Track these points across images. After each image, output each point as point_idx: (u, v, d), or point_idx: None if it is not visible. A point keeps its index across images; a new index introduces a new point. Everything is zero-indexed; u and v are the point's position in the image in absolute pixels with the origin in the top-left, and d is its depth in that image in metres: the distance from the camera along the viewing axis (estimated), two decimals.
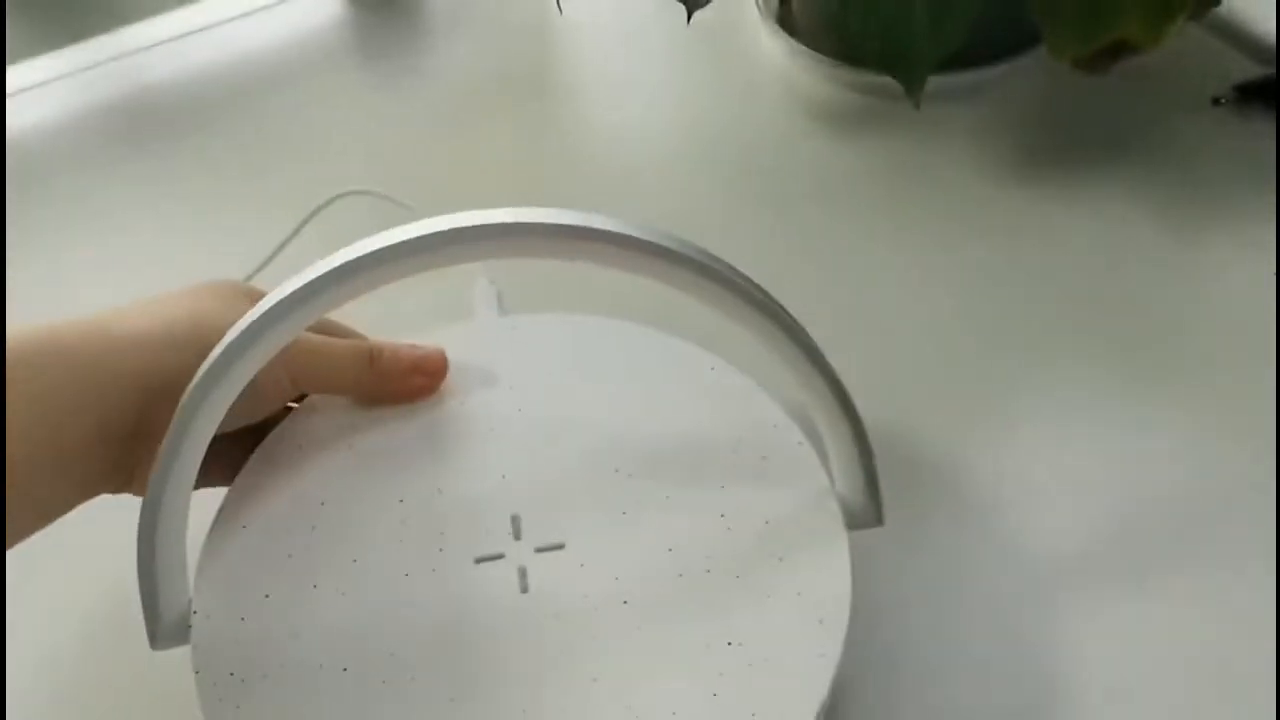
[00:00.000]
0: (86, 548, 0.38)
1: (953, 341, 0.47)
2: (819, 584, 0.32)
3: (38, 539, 0.33)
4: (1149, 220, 0.50)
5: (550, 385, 0.38)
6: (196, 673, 0.32)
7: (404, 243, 0.27)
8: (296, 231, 0.49)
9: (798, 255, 0.50)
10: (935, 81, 0.53)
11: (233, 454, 0.36)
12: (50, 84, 0.62)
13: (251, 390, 0.30)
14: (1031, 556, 0.39)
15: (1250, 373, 0.44)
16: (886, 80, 0.49)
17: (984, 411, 0.44)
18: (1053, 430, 0.43)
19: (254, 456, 0.36)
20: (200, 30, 0.64)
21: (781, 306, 0.30)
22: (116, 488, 0.34)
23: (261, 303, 0.28)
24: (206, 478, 0.34)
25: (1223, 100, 0.54)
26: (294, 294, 0.28)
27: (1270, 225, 0.49)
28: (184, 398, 0.29)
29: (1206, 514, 0.40)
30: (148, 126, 0.60)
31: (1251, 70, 0.55)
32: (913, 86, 0.47)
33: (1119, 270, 0.49)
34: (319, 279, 0.28)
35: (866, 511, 0.34)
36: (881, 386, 0.44)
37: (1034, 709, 0.36)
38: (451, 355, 0.39)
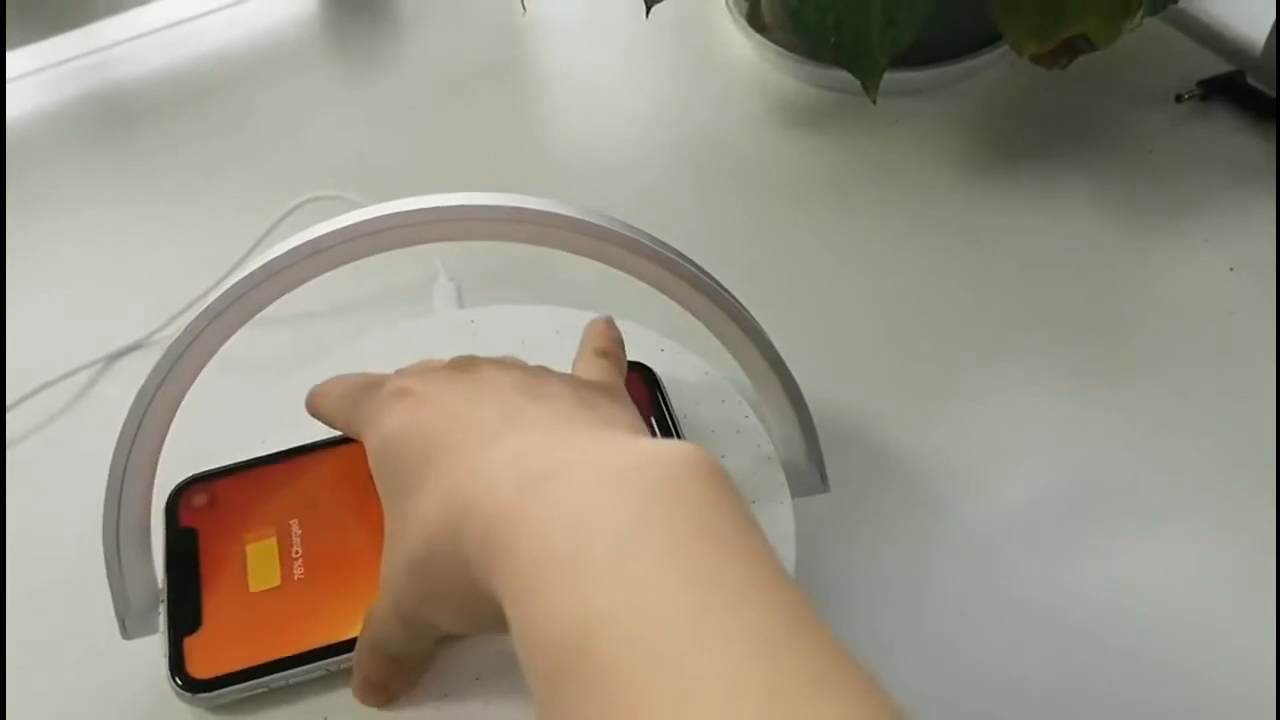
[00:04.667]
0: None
1: (908, 329, 0.50)
2: None
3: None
4: (1108, 214, 0.53)
5: None
6: (163, 656, 0.34)
7: (348, 227, 0.30)
8: (264, 237, 0.52)
9: (760, 246, 0.54)
10: (900, 77, 0.57)
11: None
12: (19, 80, 0.65)
13: None
14: (974, 531, 0.42)
15: (1199, 364, 0.47)
16: (851, 76, 0.52)
17: (935, 396, 0.47)
18: (1000, 414, 0.46)
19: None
20: (171, 26, 0.68)
21: (707, 273, 0.33)
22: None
23: (214, 292, 0.31)
24: None
25: (1186, 97, 0.57)
26: (246, 279, 0.31)
27: (1229, 219, 0.53)
28: (137, 394, 0.32)
29: (1144, 494, 0.43)
30: (118, 123, 0.63)
31: (1215, 66, 0.58)
32: (869, 80, 0.50)
33: (1075, 264, 0.52)
34: (266, 265, 0.31)
35: (810, 477, 0.37)
36: (838, 371, 0.47)
37: (976, 678, 0.39)
38: (412, 348, 0.42)
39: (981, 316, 0.50)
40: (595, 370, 0.35)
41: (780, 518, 0.36)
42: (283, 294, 0.31)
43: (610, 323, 0.38)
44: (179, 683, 0.33)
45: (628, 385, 0.39)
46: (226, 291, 0.31)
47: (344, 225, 0.31)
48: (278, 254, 0.30)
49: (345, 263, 0.31)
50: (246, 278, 0.31)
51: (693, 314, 0.33)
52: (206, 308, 0.31)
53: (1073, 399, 0.47)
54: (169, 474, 0.36)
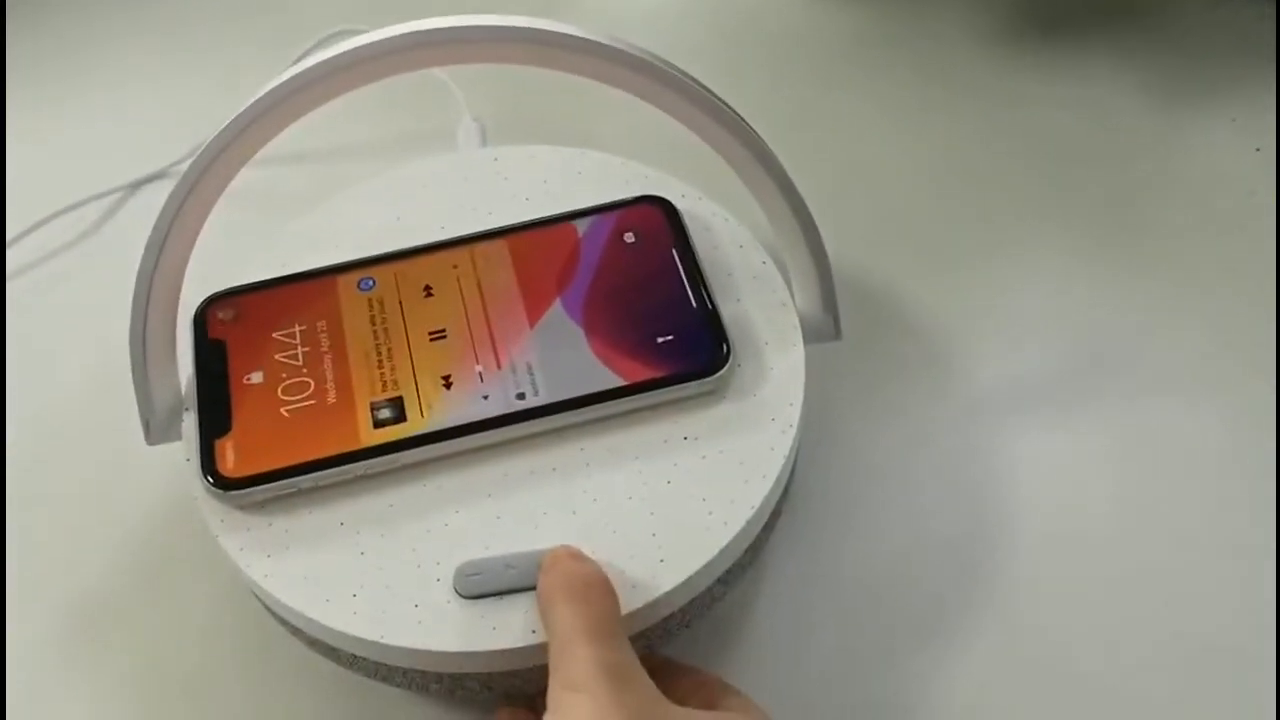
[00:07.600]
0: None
1: (930, 196, 0.50)
2: (774, 387, 0.37)
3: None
4: (1138, 90, 0.54)
5: (528, 212, 0.42)
6: (187, 460, 0.36)
7: (362, 47, 0.31)
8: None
9: (787, 107, 0.54)
10: None
11: None
12: None
13: None
14: (977, 393, 0.44)
15: (1216, 242, 0.48)
16: None
17: (951, 262, 0.48)
18: (1015, 283, 0.47)
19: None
20: None
21: (732, 109, 0.34)
22: None
23: (241, 105, 0.32)
24: None
25: None
26: (277, 89, 0.32)
27: (1258, 101, 0.53)
28: (166, 199, 0.33)
29: (1148, 367, 0.44)
30: None
31: None
32: None
33: (1100, 139, 0.52)
34: (275, 90, 0.31)
35: (824, 325, 0.38)
36: (858, 233, 0.48)
37: (965, 530, 0.41)
38: (436, 184, 0.43)
39: (1003, 187, 0.50)
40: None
41: (792, 360, 0.37)
42: (310, 108, 0.32)
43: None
44: (210, 481, 0.35)
45: (647, 217, 0.40)
46: (265, 95, 0.32)
47: (363, 43, 0.31)
48: (304, 67, 0.31)
49: (365, 82, 0.32)
50: (277, 87, 0.31)
51: (717, 150, 0.34)
52: (245, 109, 0.32)
53: (1087, 272, 0.47)
54: (191, 301, 0.38)
